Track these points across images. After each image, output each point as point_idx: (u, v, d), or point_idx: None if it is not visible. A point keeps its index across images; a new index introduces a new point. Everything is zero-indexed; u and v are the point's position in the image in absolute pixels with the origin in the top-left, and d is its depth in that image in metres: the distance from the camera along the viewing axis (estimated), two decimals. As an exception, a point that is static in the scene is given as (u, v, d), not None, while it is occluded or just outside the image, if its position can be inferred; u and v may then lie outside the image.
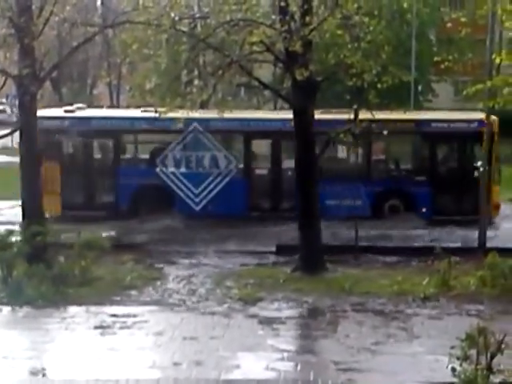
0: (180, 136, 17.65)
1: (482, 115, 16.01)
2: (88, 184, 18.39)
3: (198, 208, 17.67)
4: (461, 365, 7.57)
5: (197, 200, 17.69)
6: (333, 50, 13.40)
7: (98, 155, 19.02)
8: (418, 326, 10.45)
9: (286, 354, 9.25)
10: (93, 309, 11.14)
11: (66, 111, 18.71)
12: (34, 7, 13.03)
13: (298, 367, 8.90)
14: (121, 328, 10.29)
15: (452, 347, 7.67)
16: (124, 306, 11.41)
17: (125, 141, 18.76)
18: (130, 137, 18.73)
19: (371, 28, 13.16)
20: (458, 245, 15.17)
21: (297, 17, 12.75)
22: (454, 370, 7.56)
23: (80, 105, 20.14)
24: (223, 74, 13.45)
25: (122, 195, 17.97)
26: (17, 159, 13.58)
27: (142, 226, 16.77)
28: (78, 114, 18.57)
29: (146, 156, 18.84)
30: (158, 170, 17.62)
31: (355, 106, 14.67)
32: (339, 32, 13.14)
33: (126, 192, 17.84)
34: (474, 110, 19.41)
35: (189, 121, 14.98)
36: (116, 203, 18.09)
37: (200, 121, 17.33)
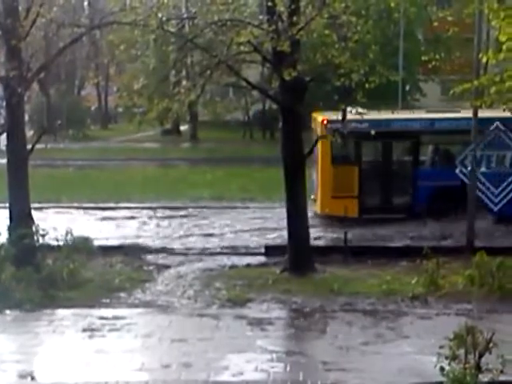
0: (481, 136, 17.35)
1: None
2: (385, 187, 18.16)
3: (496, 208, 17.27)
4: (449, 364, 7.60)
5: (496, 200, 17.39)
6: (320, 50, 13.40)
7: (395, 157, 18.74)
8: (407, 326, 10.48)
9: (275, 355, 9.25)
10: (81, 311, 11.11)
11: (358, 113, 18.39)
12: (20, 8, 12.97)
13: (288, 368, 8.89)
14: (109, 330, 10.26)
15: (441, 347, 7.69)
16: (113, 309, 11.39)
17: (423, 142, 18.42)
18: (428, 138, 18.39)
19: (359, 28, 13.17)
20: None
21: (284, 17, 12.75)
22: (442, 369, 7.58)
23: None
24: (211, 75, 13.43)
25: (419, 197, 17.74)
26: (4, 161, 13.49)
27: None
28: (376, 116, 18.09)
29: (444, 157, 18.46)
30: (457, 170, 16.70)
31: (343, 106, 14.70)
32: (327, 32, 13.15)
33: (423, 194, 17.64)
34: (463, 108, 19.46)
35: (491, 120, 14.82)
36: (413, 205, 17.82)
37: (503, 120, 17.08)
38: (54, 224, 15.95)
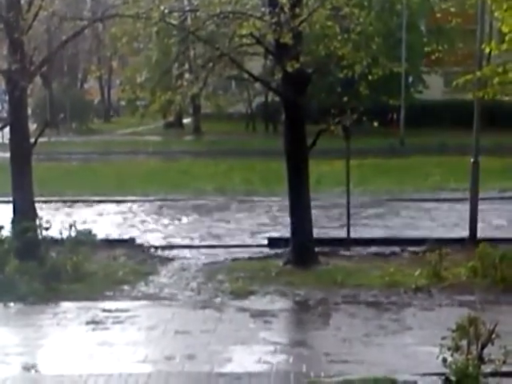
0: None
1: None
2: None
3: None
4: (452, 355, 7.59)
5: None
6: (323, 42, 13.38)
7: None
8: (410, 317, 10.48)
9: (278, 347, 9.26)
10: (85, 304, 11.13)
11: None
12: (22, 1, 12.98)
13: (291, 360, 8.91)
14: (113, 323, 10.29)
15: (443, 338, 7.69)
16: (116, 301, 11.40)
17: None
18: None
19: (361, 19, 13.15)
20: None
21: (286, 8, 12.72)
22: (445, 360, 7.58)
23: None
24: (213, 67, 13.43)
25: None
26: (8, 155, 13.53)
27: None
28: None
29: None
30: None
31: (346, 98, 14.67)
32: (329, 23, 13.13)
33: None
34: (464, 100, 19.42)
35: None
36: None
37: None
38: (58, 217, 16.04)
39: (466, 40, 30.27)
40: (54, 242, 12.96)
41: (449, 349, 7.60)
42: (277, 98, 22.84)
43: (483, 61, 15.46)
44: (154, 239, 16.00)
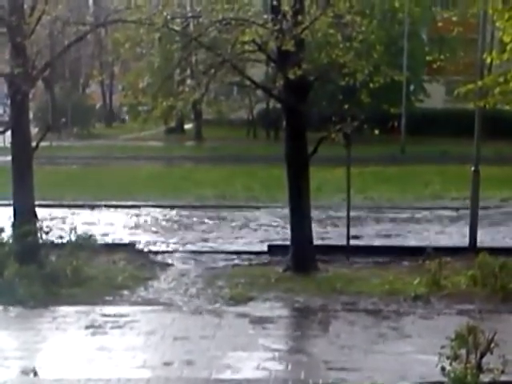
0: None
1: None
2: None
3: None
4: (451, 364, 7.60)
5: None
6: (325, 50, 13.41)
7: None
8: (409, 326, 10.48)
9: (276, 354, 9.26)
10: (84, 309, 11.14)
11: None
12: (25, 6, 13.02)
13: (289, 367, 8.91)
14: (112, 328, 10.29)
15: (442, 346, 7.70)
16: (116, 306, 11.41)
17: None
18: None
19: (363, 27, 13.19)
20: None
21: (289, 16, 12.76)
22: (443, 369, 7.59)
23: None
24: (215, 73, 13.46)
25: None
26: (9, 158, 13.55)
27: None
28: None
29: None
30: None
31: (347, 106, 14.70)
32: (331, 31, 13.17)
33: None
34: (466, 109, 19.42)
35: None
36: None
37: None
38: (58, 221, 16.06)
39: (468, 49, 30.36)
40: (54, 245, 12.98)
41: (447, 357, 7.61)
42: (278, 105, 22.88)
43: (484, 70, 15.50)
44: (154, 244, 16.02)
